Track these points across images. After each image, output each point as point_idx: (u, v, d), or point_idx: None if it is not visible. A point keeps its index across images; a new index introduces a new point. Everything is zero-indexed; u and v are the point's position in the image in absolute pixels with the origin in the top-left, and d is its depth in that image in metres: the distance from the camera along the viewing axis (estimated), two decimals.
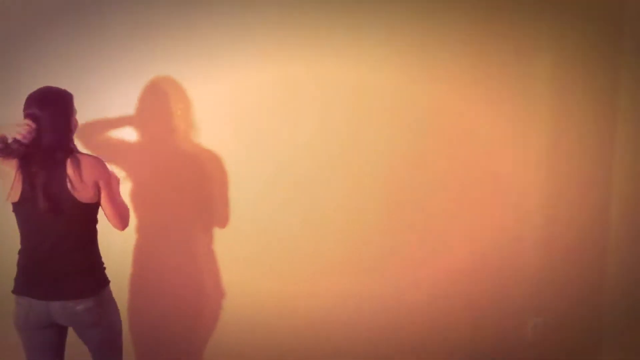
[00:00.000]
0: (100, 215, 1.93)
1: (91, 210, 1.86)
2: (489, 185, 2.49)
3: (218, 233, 2.48)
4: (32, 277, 1.85)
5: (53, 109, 1.85)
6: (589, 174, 2.49)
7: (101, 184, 1.84)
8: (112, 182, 1.89)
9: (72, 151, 1.83)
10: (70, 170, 1.76)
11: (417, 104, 2.42)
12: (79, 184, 1.77)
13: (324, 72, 2.40)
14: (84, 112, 2.44)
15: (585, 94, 2.44)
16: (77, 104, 2.49)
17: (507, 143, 2.47)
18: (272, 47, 2.39)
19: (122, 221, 1.93)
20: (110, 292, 1.95)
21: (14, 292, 1.87)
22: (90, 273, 1.88)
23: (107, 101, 2.44)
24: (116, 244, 2.46)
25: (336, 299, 2.57)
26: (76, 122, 1.94)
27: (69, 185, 1.75)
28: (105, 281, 1.93)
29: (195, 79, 2.42)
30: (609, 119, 2.46)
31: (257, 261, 2.52)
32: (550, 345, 2.58)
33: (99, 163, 1.85)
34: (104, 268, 1.95)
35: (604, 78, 2.44)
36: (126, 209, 1.98)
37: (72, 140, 1.89)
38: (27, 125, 1.77)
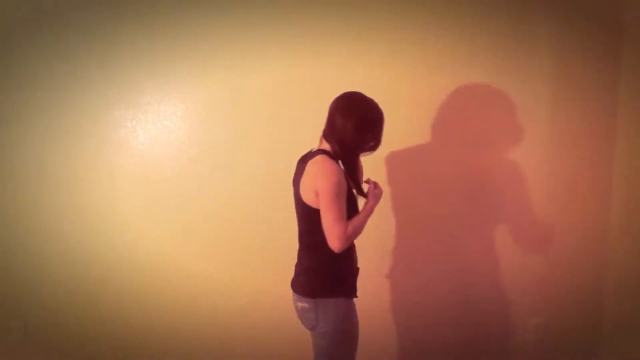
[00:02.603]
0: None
1: (314, 213, 1.76)
2: (488, 186, 2.49)
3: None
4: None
5: (330, 110, 1.85)
6: (588, 173, 2.48)
7: (318, 192, 1.74)
8: (325, 197, 1.71)
9: (323, 153, 1.81)
10: (305, 170, 1.80)
11: (416, 104, 2.43)
12: (303, 184, 1.80)
13: (325, 72, 2.41)
14: (85, 112, 2.47)
15: (585, 94, 2.44)
16: (77, 103, 2.51)
17: (506, 143, 2.47)
18: (272, 48, 2.40)
19: (328, 238, 1.72)
20: (334, 304, 1.82)
21: None
22: (312, 275, 1.86)
23: (107, 101, 2.46)
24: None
25: None
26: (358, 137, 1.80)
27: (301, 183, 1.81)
28: (325, 291, 1.82)
29: (195, 79, 2.43)
30: (609, 118, 2.46)
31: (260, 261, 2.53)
32: (550, 346, 2.58)
33: (319, 171, 1.75)
34: (331, 278, 1.84)
35: (604, 78, 2.44)
36: (334, 230, 1.71)
37: (339, 147, 1.80)
38: None
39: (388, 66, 2.40)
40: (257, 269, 2.53)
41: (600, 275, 2.55)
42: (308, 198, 1.78)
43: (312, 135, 2.42)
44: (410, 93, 2.42)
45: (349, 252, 1.89)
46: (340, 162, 1.80)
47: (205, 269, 2.55)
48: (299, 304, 1.88)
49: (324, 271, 1.85)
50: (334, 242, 1.71)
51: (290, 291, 1.96)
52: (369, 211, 1.86)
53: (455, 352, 2.61)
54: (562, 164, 2.47)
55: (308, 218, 1.81)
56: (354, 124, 1.76)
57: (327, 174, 1.72)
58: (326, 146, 1.85)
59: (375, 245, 2.52)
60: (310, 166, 1.78)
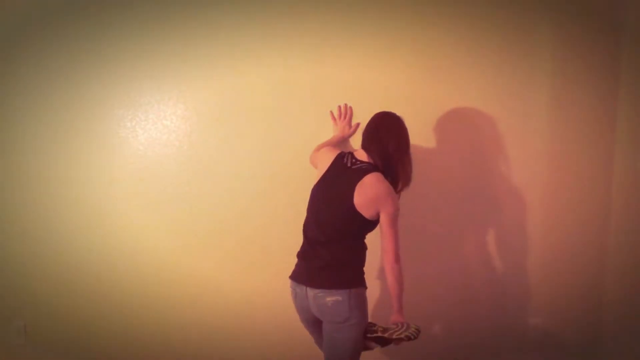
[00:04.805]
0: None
1: (360, 218, 1.87)
2: (488, 185, 2.49)
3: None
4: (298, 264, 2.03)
5: (369, 127, 2.01)
6: (588, 173, 2.49)
7: (382, 213, 1.87)
8: (390, 220, 1.87)
9: (376, 169, 1.92)
10: (363, 182, 1.87)
11: (416, 104, 2.43)
12: (360, 195, 1.86)
13: (323, 73, 2.41)
14: (85, 112, 2.47)
15: (585, 94, 2.44)
16: (77, 103, 2.51)
17: (506, 143, 2.47)
18: (272, 48, 2.40)
19: (387, 252, 1.89)
20: (363, 293, 1.93)
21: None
22: (340, 267, 1.90)
23: (108, 101, 2.46)
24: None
25: None
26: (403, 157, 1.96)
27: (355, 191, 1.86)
28: (356, 282, 1.92)
29: (195, 79, 2.43)
30: (609, 118, 2.46)
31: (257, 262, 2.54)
32: (550, 345, 2.58)
33: (387, 195, 1.86)
34: (358, 269, 1.96)
35: (604, 77, 2.44)
36: (395, 248, 1.89)
37: (381, 160, 1.93)
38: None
39: (388, 68, 2.40)
40: (257, 269, 2.53)
41: (600, 274, 2.55)
42: (363, 209, 1.87)
43: (311, 135, 2.42)
44: (409, 95, 2.42)
45: (364, 246, 2.00)
46: None
47: (205, 268, 2.55)
48: (329, 299, 1.86)
49: (353, 262, 1.94)
50: (390, 257, 1.87)
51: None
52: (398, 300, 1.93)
53: (454, 351, 2.61)
54: (562, 164, 2.47)
55: (352, 220, 1.89)
56: (400, 142, 1.95)
57: (393, 200, 1.88)
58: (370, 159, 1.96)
59: (373, 245, 2.52)
60: (374, 183, 1.88)
